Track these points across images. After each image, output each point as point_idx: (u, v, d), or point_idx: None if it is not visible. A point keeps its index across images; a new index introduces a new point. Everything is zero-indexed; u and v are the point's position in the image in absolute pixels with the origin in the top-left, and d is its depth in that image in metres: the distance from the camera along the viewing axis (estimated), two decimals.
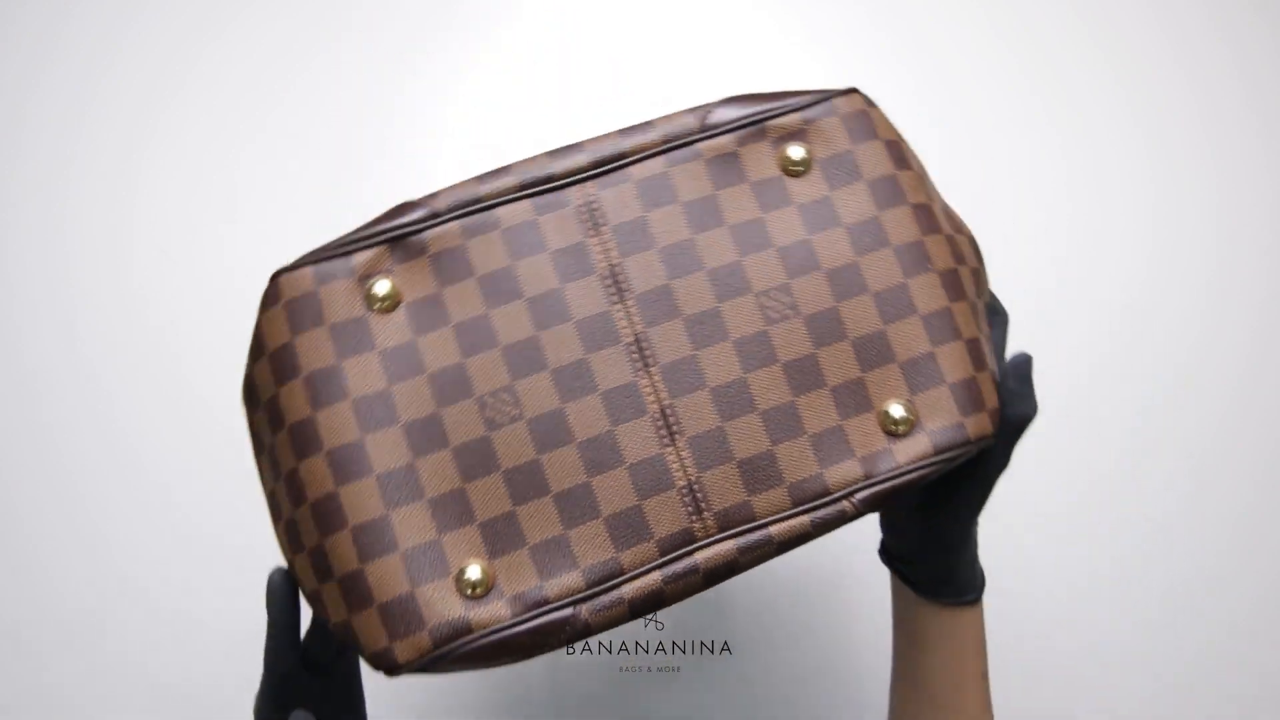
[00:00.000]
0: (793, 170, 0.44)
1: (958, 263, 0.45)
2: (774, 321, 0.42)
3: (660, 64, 0.86)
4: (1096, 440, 0.83)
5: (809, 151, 0.44)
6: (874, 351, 0.42)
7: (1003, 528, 0.81)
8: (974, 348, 0.43)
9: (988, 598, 0.81)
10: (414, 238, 0.42)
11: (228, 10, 0.86)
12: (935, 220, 0.45)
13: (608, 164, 0.43)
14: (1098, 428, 0.83)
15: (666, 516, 0.40)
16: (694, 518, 0.40)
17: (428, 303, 0.41)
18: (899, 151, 0.45)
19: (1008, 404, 0.46)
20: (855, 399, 0.42)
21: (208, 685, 0.79)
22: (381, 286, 0.41)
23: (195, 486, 0.81)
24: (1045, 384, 0.83)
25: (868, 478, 0.41)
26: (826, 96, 0.45)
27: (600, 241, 0.42)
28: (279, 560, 0.80)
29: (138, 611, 0.79)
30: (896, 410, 0.41)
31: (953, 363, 0.42)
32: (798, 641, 0.78)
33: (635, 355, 0.41)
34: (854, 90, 0.46)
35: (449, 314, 0.41)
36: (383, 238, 0.42)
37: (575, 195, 0.42)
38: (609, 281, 0.42)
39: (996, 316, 0.49)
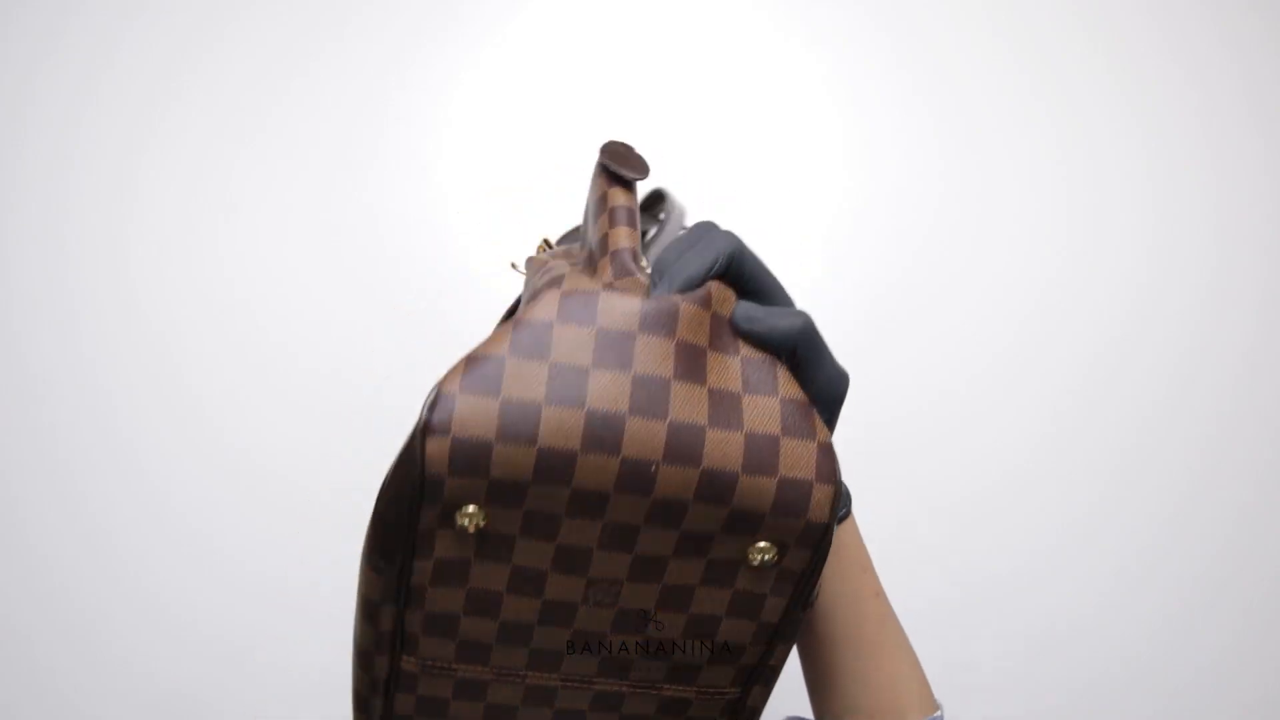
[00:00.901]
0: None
1: (681, 379, 0.37)
2: (611, 603, 0.40)
3: (660, 64, 0.86)
4: (1097, 440, 0.83)
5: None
6: (695, 544, 0.39)
7: (1003, 527, 0.81)
8: (753, 447, 0.37)
9: (994, 598, 0.81)
10: None
11: (227, 11, 0.86)
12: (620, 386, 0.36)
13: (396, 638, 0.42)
14: (1098, 428, 0.83)
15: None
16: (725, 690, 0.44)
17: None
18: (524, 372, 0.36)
19: (776, 323, 0.39)
20: (721, 572, 0.40)
21: (207, 685, 0.79)
22: None
23: (194, 487, 0.81)
24: (1046, 383, 0.83)
25: (782, 612, 0.42)
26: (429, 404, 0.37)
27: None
28: (278, 559, 0.80)
29: (138, 611, 0.79)
30: (762, 547, 0.39)
31: (755, 492, 0.37)
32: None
33: None
34: (441, 389, 0.36)
35: None
36: None
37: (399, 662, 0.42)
38: None
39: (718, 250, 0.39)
